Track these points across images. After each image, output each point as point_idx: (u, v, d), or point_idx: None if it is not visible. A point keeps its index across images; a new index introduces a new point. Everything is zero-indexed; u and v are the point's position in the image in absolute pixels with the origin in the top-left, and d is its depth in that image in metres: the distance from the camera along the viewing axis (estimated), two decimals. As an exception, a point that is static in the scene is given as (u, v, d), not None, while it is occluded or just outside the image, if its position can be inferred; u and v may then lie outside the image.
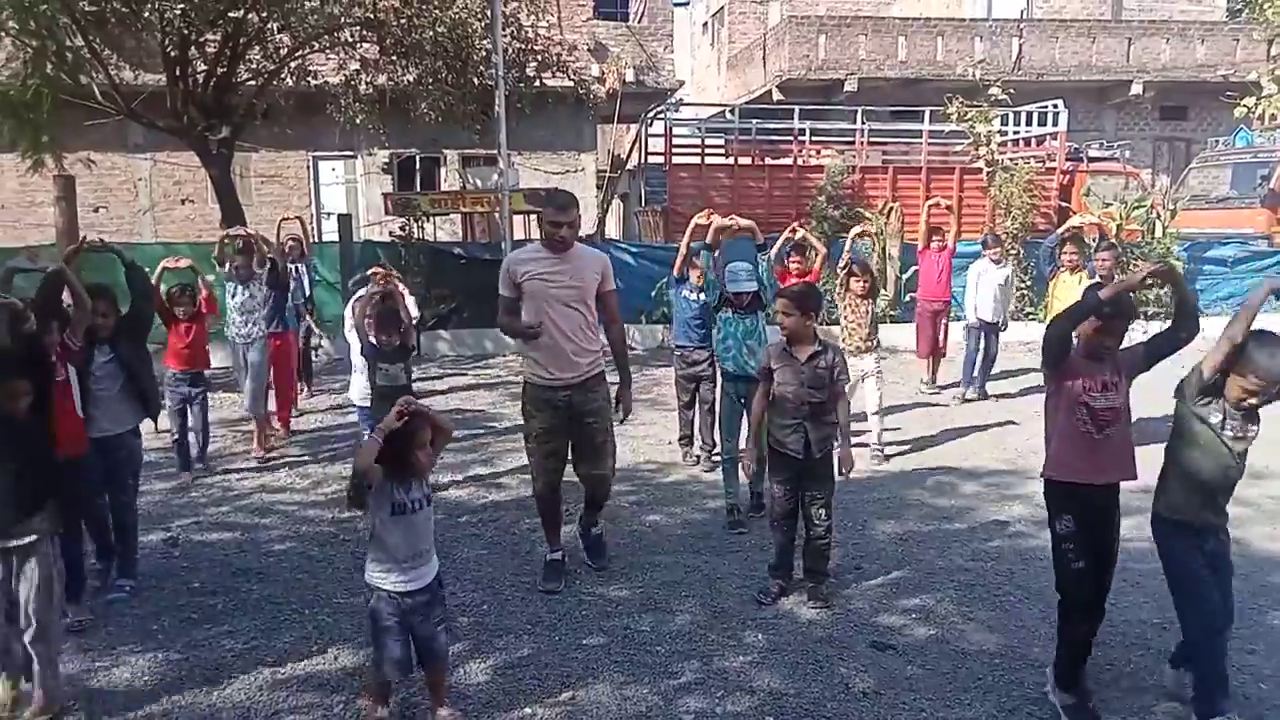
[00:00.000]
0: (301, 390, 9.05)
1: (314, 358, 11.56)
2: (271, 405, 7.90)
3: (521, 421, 4.82)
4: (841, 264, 7.19)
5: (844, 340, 6.88)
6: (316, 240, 16.40)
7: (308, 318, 9.57)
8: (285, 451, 7.54)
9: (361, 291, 6.45)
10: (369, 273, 6.81)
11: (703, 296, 6.51)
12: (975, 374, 9.19)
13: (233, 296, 7.34)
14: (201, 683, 3.80)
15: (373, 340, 5.90)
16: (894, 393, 9.48)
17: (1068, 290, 7.29)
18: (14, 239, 15.04)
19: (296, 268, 8.78)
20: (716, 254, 5.99)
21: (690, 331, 6.95)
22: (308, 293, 9.08)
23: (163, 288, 6.63)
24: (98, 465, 4.54)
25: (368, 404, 6.18)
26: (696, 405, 7.09)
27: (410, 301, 6.77)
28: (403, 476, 3.30)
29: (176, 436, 6.66)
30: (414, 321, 6.64)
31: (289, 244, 9.00)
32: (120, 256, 5.01)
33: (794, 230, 7.53)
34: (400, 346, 5.92)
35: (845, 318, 7.05)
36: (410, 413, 3.25)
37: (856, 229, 8.99)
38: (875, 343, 7.03)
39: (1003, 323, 9.10)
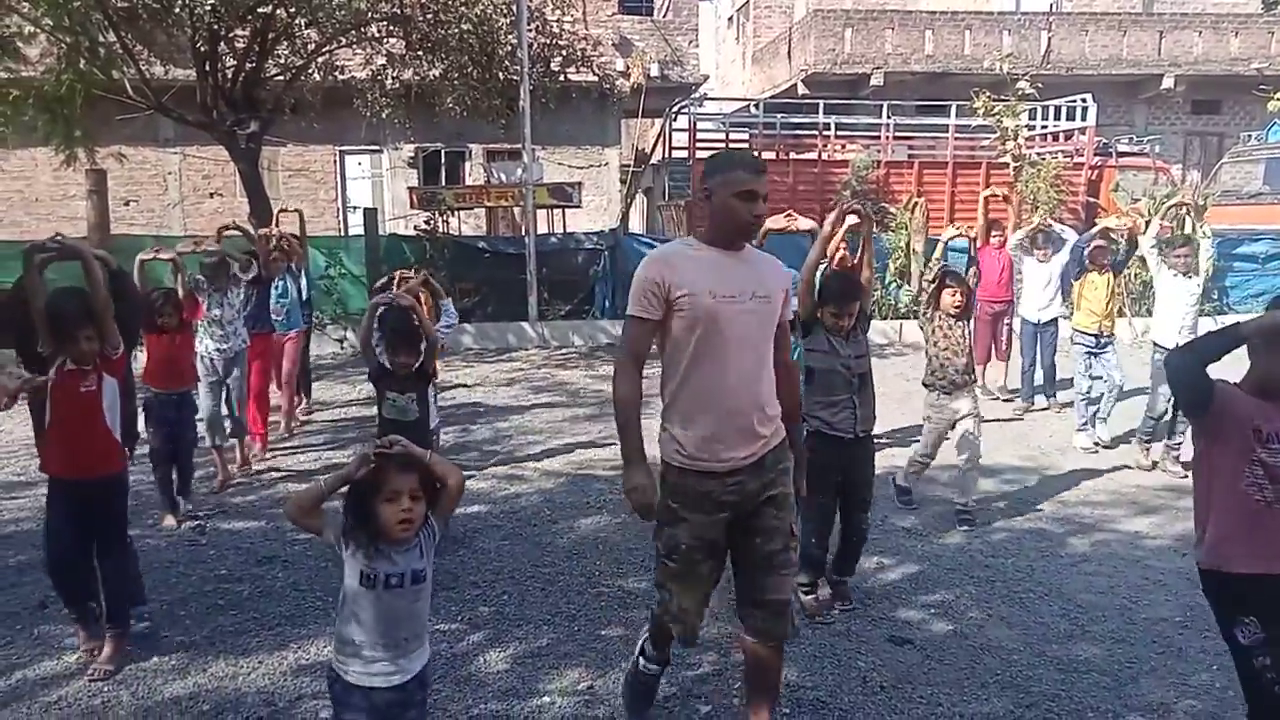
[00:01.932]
0: (300, 401, 8.32)
1: (340, 349, 11.73)
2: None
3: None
4: (929, 276, 5.60)
5: (933, 374, 5.49)
6: (343, 234, 16.61)
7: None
8: (307, 441, 7.63)
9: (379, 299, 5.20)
10: (395, 276, 5.82)
11: None
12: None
13: (209, 308, 6.38)
14: (226, 667, 3.87)
15: (384, 362, 4.82)
16: (918, 390, 9.45)
17: (1095, 291, 7.21)
18: (47, 232, 15.25)
19: (292, 267, 7.74)
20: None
21: None
22: (305, 295, 8.06)
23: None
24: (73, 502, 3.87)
25: None
26: None
27: (448, 306, 5.92)
28: (373, 538, 2.51)
29: (159, 474, 5.65)
30: (446, 329, 5.79)
31: (286, 241, 7.73)
32: (104, 262, 4.11)
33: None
34: (419, 372, 4.84)
35: (935, 344, 5.46)
36: (387, 456, 2.49)
37: (950, 230, 7.31)
38: (973, 376, 5.65)
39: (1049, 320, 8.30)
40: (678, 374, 2.96)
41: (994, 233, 8.50)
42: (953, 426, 5.47)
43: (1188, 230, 13.00)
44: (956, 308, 5.39)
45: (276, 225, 8.07)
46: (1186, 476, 6.14)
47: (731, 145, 16.73)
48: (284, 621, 4.29)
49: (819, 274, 4.40)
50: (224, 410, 6.54)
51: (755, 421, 2.96)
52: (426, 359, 4.88)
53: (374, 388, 4.90)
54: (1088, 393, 7.20)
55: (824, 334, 4.28)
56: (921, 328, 5.63)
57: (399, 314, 4.86)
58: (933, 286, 5.51)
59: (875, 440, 4.62)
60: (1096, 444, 7.21)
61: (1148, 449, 6.75)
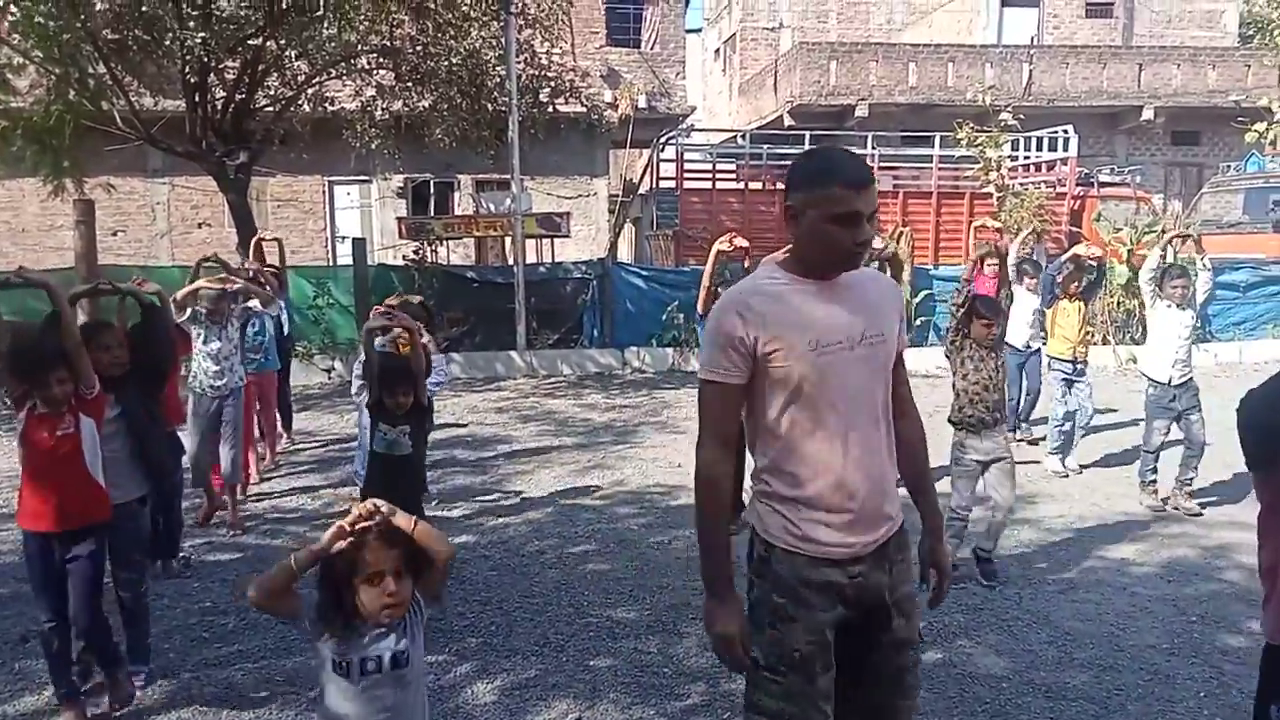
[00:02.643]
0: (281, 436, 8.11)
1: (328, 378, 11.71)
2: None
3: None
4: (958, 301, 5.12)
5: (960, 411, 5.01)
6: (331, 264, 16.62)
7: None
8: (296, 470, 7.59)
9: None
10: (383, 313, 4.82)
11: None
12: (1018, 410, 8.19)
13: (203, 341, 6.01)
14: (212, 701, 3.84)
15: (380, 399, 4.44)
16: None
17: (1068, 318, 7.31)
18: (34, 262, 15.25)
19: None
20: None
21: None
22: (286, 329, 7.80)
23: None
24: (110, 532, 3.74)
25: (360, 476, 5.04)
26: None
27: (440, 362, 5.43)
28: (350, 622, 2.22)
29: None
30: (435, 386, 5.18)
31: (264, 276, 7.06)
32: (136, 297, 4.36)
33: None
34: (414, 408, 4.45)
35: (964, 378, 4.99)
36: (366, 529, 2.17)
37: (984, 249, 7.22)
38: (1004, 414, 5.16)
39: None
40: (777, 437, 2.28)
41: (989, 261, 7.99)
42: (984, 470, 4.98)
43: (1173, 260, 13.20)
44: (990, 338, 4.95)
45: (256, 255, 7.79)
46: (1202, 514, 6.17)
47: (718, 175, 16.86)
48: (269, 654, 4.25)
49: None
50: (226, 452, 6.09)
51: (881, 499, 2.31)
52: (420, 392, 4.46)
53: (369, 418, 4.57)
54: (1063, 419, 7.26)
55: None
56: (948, 357, 5.14)
57: (391, 350, 4.70)
58: (961, 314, 5.02)
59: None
60: (1070, 470, 7.29)
61: (1154, 489, 6.46)
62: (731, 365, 2.25)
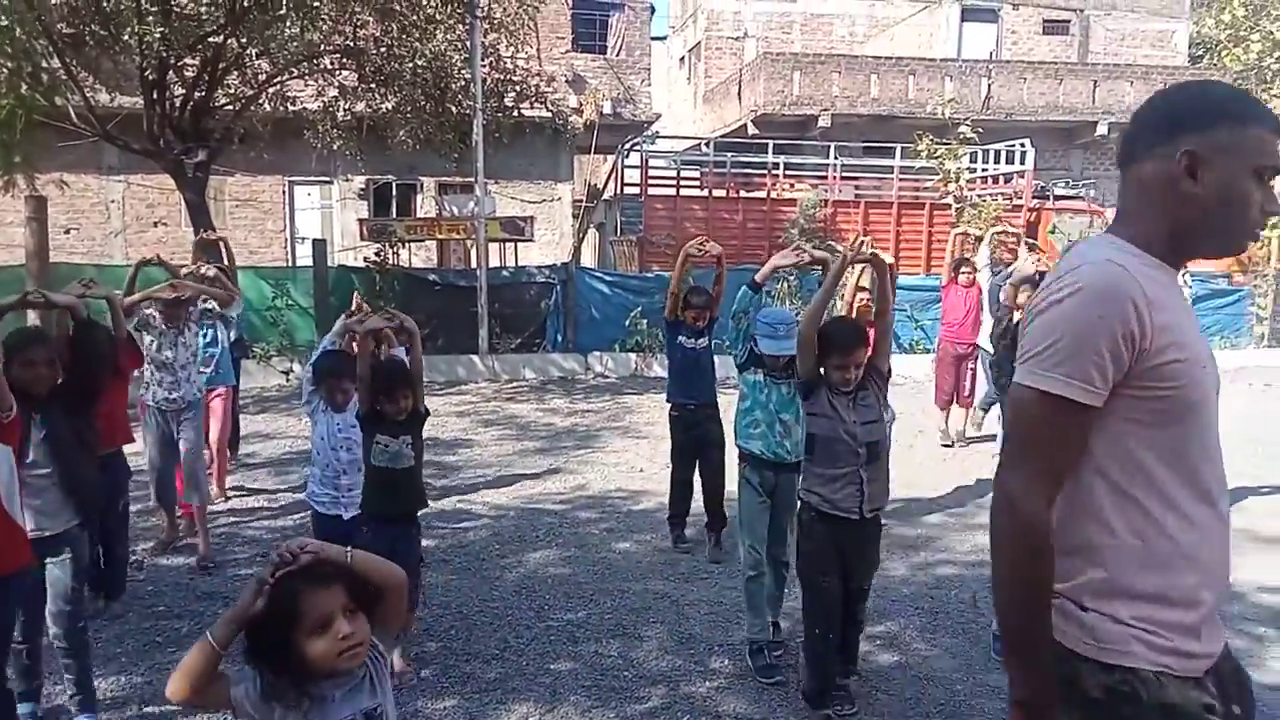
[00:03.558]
0: (230, 463, 7.27)
1: (286, 381, 11.56)
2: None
3: None
4: (998, 332, 4.97)
5: None
6: (290, 264, 16.42)
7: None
8: (253, 473, 7.48)
9: (326, 341, 4.53)
10: (351, 320, 4.41)
11: (700, 342, 5.53)
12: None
13: (157, 349, 5.39)
14: (165, 706, 3.77)
15: (375, 406, 3.99)
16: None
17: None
18: (-18, 259, 14.88)
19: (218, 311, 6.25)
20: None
21: (689, 384, 5.61)
22: (234, 336, 6.88)
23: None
24: (28, 580, 3.33)
25: (323, 502, 4.34)
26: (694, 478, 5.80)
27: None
28: (299, 685, 1.87)
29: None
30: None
31: (208, 272, 6.19)
32: (71, 311, 3.75)
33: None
34: (412, 414, 4.05)
35: None
36: (292, 574, 1.84)
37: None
38: None
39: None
40: (1142, 499, 1.59)
41: (963, 269, 8.23)
42: None
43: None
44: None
45: (196, 257, 6.87)
46: None
47: (682, 182, 16.94)
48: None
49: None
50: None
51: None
52: (421, 397, 4.07)
53: (361, 431, 4.08)
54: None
55: (826, 395, 3.63)
56: (998, 385, 4.68)
57: (388, 359, 4.30)
58: (1004, 344, 4.56)
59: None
60: None
61: None
62: (1100, 377, 1.54)
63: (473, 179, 13.06)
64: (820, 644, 3.69)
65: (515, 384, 12.17)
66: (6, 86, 10.09)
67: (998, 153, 17.17)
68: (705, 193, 16.65)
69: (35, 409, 3.46)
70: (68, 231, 16.59)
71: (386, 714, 1.99)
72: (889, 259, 7.55)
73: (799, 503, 3.80)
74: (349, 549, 1.96)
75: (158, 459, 5.48)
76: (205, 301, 5.85)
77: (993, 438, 8.18)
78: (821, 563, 3.64)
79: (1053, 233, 15.25)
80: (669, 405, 5.80)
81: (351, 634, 1.84)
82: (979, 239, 8.67)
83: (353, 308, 4.56)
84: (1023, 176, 16.73)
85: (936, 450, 8.42)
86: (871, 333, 3.79)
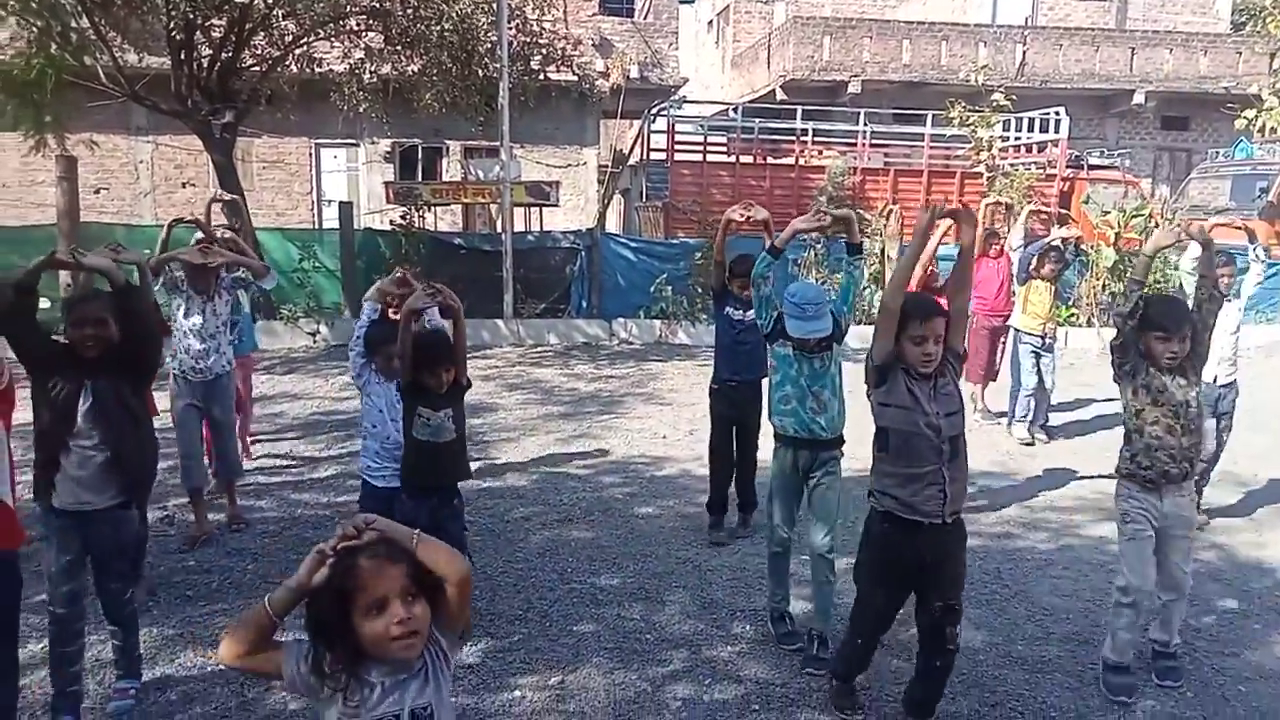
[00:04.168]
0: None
1: (313, 342, 11.65)
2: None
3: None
4: (1124, 308, 3.77)
5: (1134, 460, 3.74)
6: (317, 227, 16.47)
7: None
8: (282, 435, 7.56)
9: (369, 309, 4.18)
10: (389, 284, 4.21)
11: (749, 314, 4.91)
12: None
13: (184, 315, 5.14)
14: (195, 658, 3.85)
15: (416, 379, 3.85)
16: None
17: (1039, 296, 7.49)
18: (15, 218, 15.05)
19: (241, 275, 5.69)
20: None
21: (735, 359, 5.22)
22: (246, 309, 6.55)
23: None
24: (72, 544, 3.35)
25: (383, 475, 4.17)
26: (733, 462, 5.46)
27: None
28: (350, 667, 1.81)
29: None
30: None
31: (232, 244, 5.75)
32: (107, 275, 3.46)
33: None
34: (453, 386, 3.92)
35: (1139, 414, 3.71)
36: (355, 549, 1.80)
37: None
38: (1194, 465, 3.83)
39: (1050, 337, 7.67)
40: None
41: (992, 242, 7.98)
42: (1157, 536, 3.70)
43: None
44: (1171, 358, 3.60)
45: (208, 216, 6.42)
46: (1210, 524, 5.60)
47: (709, 148, 16.79)
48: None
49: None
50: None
51: None
52: (461, 368, 3.93)
53: (402, 402, 3.95)
54: (1032, 389, 7.58)
55: (905, 381, 3.18)
56: (1118, 382, 3.80)
57: (429, 330, 4.08)
58: (1131, 326, 3.68)
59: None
60: (1037, 439, 7.61)
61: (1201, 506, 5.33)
62: None
63: (498, 143, 12.99)
64: (856, 650, 3.46)
65: (540, 349, 12.19)
66: (36, 46, 10.12)
67: (1031, 121, 16.85)
68: (732, 159, 16.48)
69: (85, 375, 3.34)
70: (98, 191, 16.72)
71: (437, 715, 1.88)
72: (1068, 232, 7.51)
73: (869, 508, 3.36)
74: (416, 532, 1.88)
75: (185, 438, 5.15)
76: (238, 270, 5.48)
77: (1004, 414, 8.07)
78: (883, 574, 3.30)
79: (1086, 203, 14.99)
80: (711, 380, 5.42)
81: (408, 620, 1.77)
82: (1008, 207, 8.59)
83: (398, 277, 4.18)
84: (1056, 145, 16.43)
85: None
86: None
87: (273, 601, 1.81)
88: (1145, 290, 3.71)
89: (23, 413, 3.50)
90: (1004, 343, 8.17)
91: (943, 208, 3.47)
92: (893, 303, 3.19)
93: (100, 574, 3.46)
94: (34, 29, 9.96)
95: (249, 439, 6.77)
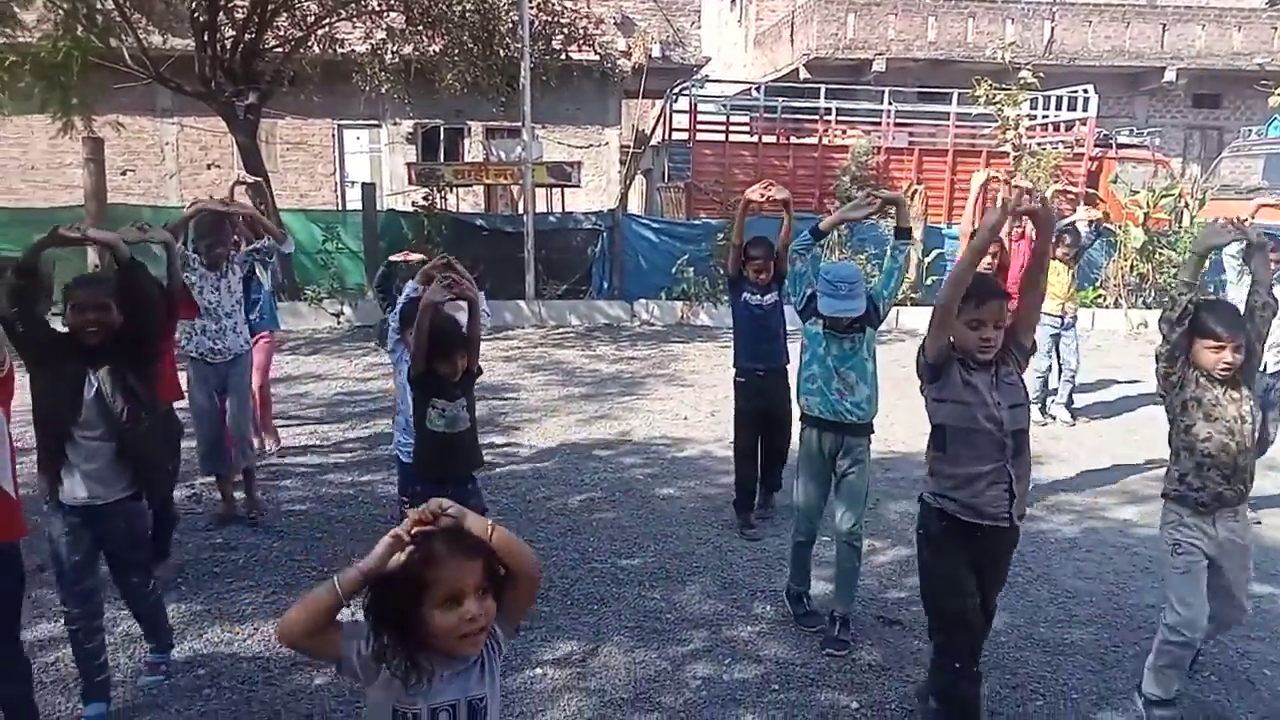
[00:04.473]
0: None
1: (336, 323, 11.72)
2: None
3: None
4: (1174, 313, 3.31)
5: (1182, 480, 3.34)
6: (340, 208, 16.53)
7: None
8: (305, 416, 7.63)
9: (410, 288, 3.96)
10: (401, 259, 4.70)
11: (768, 299, 4.93)
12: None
13: (199, 293, 4.91)
14: (223, 633, 3.91)
15: (430, 368, 3.69)
16: (913, 375, 9.49)
17: (1058, 276, 7.35)
18: (43, 199, 15.23)
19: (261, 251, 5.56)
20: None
21: (756, 347, 5.04)
22: (269, 286, 6.36)
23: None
24: (83, 540, 3.24)
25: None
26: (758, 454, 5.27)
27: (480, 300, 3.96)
28: (410, 655, 1.78)
29: None
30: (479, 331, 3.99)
31: (251, 219, 5.63)
32: (113, 250, 3.30)
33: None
34: (466, 374, 3.81)
35: (1189, 430, 3.32)
36: (432, 534, 1.75)
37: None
38: (1247, 485, 3.37)
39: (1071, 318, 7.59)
40: None
41: (1015, 223, 7.61)
42: (1211, 566, 3.30)
43: (1185, 223, 13.05)
44: (1226, 368, 3.24)
45: (232, 199, 5.83)
46: (1261, 523, 5.25)
47: (732, 128, 16.67)
48: (279, 590, 4.32)
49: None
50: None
51: None
52: (473, 356, 3.82)
53: (413, 394, 3.81)
54: (1046, 371, 7.55)
55: (959, 373, 2.97)
56: (1162, 399, 3.43)
57: (442, 314, 3.85)
58: (1180, 333, 3.29)
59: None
60: (1048, 419, 7.59)
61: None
62: None
63: (520, 123, 12.97)
64: (963, 685, 3.07)
65: (561, 330, 12.21)
66: (63, 28, 10.20)
67: (1059, 99, 16.59)
68: (755, 139, 16.36)
69: (88, 363, 3.19)
70: (124, 173, 16.86)
71: (490, 709, 1.86)
72: (1090, 214, 7.11)
73: (922, 508, 3.16)
74: (491, 523, 1.82)
75: (204, 421, 5.02)
76: (256, 241, 5.36)
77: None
78: (960, 582, 3.03)
79: (1114, 182, 14.77)
80: (734, 370, 5.22)
81: (478, 617, 1.74)
82: (1006, 182, 8.40)
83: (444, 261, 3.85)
84: (1084, 124, 16.17)
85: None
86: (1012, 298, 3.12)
87: (342, 582, 1.73)
88: (1195, 294, 3.29)
89: (20, 395, 3.30)
90: None
91: (1019, 203, 3.04)
92: (950, 301, 2.92)
93: (117, 570, 3.37)
94: (61, 11, 10.05)
95: (272, 424, 6.60)
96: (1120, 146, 16.61)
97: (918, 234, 13.32)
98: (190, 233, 4.97)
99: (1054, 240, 7.15)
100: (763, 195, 4.62)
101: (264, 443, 6.35)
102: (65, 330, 3.24)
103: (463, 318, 3.83)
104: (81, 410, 3.15)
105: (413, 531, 1.73)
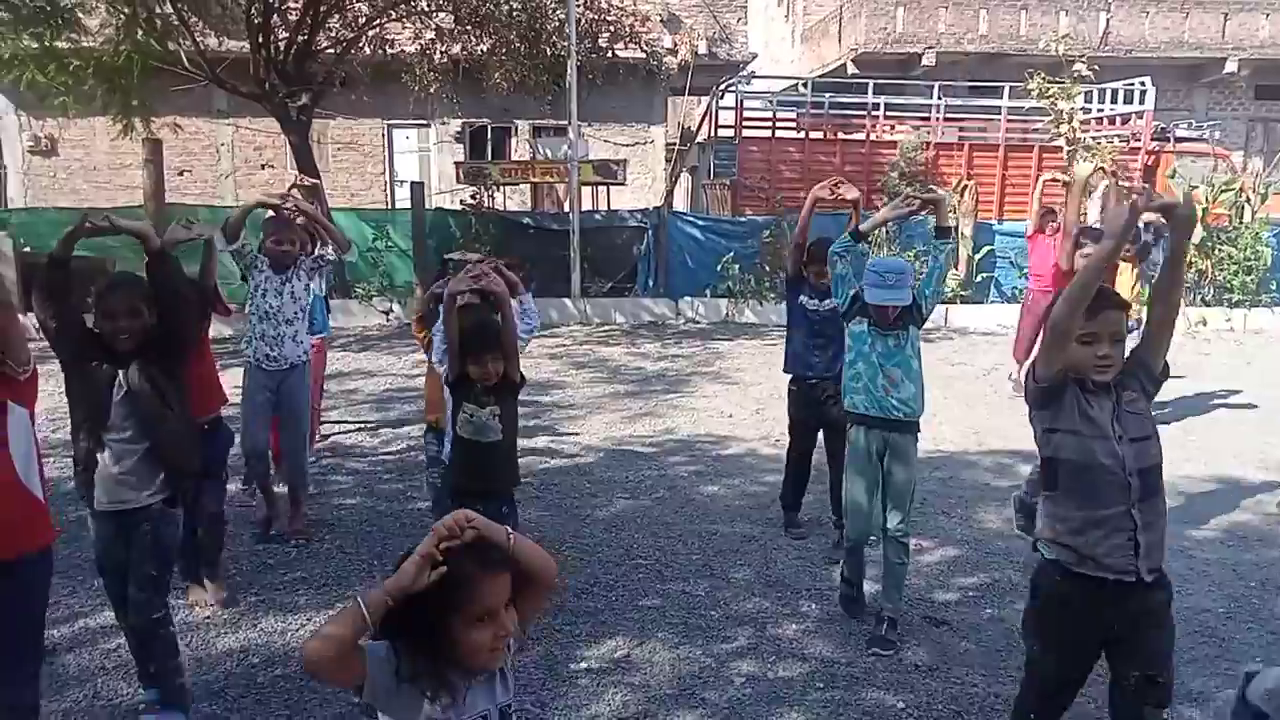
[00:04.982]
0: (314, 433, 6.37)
1: (386, 320, 11.90)
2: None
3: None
4: None
5: None
6: (389, 207, 16.75)
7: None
8: (354, 407, 7.75)
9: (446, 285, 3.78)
10: (459, 257, 4.37)
11: (826, 305, 4.64)
12: None
13: (261, 295, 4.71)
14: (276, 623, 4.00)
15: (463, 370, 3.60)
16: (962, 374, 9.37)
17: (1122, 278, 7.11)
18: (105, 199, 15.66)
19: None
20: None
21: (809, 354, 4.83)
22: (323, 291, 6.27)
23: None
24: (118, 549, 3.17)
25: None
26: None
27: (529, 304, 4.09)
28: (440, 673, 1.75)
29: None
30: (526, 333, 4.05)
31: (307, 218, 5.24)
32: (143, 239, 3.20)
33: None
34: (503, 382, 3.63)
35: None
36: (463, 543, 1.70)
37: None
38: None
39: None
40: None
41: (1048, 220, 7.90)
42: None
43: (1246, 219, 12.69)
44: None
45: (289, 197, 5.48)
46: None
47: (778, 124, 16.59)
48: (330, 581, 4.40)
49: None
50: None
51: None
52: (511, 364, 3.64)
53: (450, 396, 3.72)
54: None
55: (1076, 401, 2.58)
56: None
57: (475, 311, 3.74)
58: None
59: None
60: None
61: None
62: None
63: (566, 122, 13.05)
64: None
65: (606, 327, 12.26)
66: (124, 32, 10.50)
67: (1114, 92, 16.23)
68: (801, 135, 16.25)
69: (117, 363, 3.11)
70: (181, 174, 17.27)
71: (515, 710, 1.89)
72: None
73: (1036, 558, 2.75)
74: (510, 532, 1.79)
75: (254, 428, 4.79)
76: (323, 246, 4.99)
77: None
78: (1057, 636, 2.66)
79: (1172, 177, 14.40)
80: (787, 377, 5.02)
81: (509, 631, 1.74)
82: (1066, 184, 8.30)
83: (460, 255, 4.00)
84: (1141, 117, 15.80)
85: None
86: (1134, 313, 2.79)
87: (369, 603, 1.66)
88: None
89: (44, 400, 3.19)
90: None
91: (1152, 198, 2.56)
92: (1067, 321, 2.54)
93: (134, 582, 3.16)
94: (122, 16, 10.33)
95: (316, 428, 6.35)
96: (1178, 140, 16.20)
97: (968, 230, 13.15)
98: (259, 232, 4.87)
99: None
100: (832, 193, 4.51)
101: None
102: (96, 333, 3.15)
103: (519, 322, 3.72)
104: (110, 413, 3.10)
105: (440, 547, 1.68)
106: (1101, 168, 6.35)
